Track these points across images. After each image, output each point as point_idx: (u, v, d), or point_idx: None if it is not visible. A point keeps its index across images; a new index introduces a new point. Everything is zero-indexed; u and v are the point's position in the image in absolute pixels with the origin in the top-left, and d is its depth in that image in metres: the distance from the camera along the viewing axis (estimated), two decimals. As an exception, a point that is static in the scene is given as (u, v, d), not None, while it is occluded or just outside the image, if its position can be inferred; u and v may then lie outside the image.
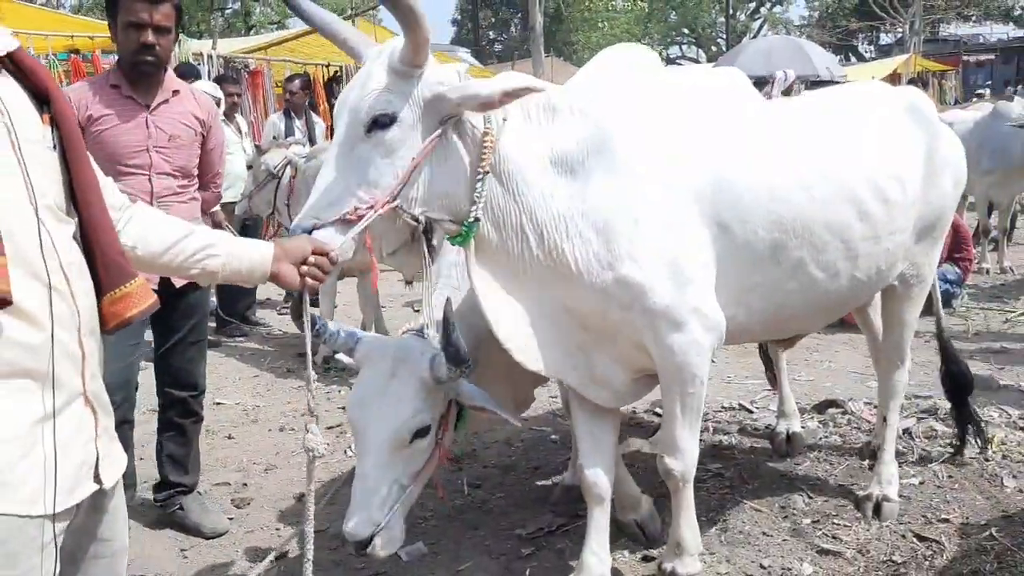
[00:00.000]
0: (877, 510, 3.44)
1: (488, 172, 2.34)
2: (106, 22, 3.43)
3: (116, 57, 3.50)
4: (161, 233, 1.80)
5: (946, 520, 3.41)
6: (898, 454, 3.72)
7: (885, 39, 41.98)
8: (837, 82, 14.17)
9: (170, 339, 3.56)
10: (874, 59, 33.48)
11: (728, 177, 2.67)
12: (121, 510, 1.74)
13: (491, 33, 45.33)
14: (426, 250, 2.36)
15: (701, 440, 2.98)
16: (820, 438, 4.29)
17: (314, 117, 8.37)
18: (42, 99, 1.55)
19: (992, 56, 34.11)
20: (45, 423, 1.46)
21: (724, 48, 34.34)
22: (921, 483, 3.72)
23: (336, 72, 12.03)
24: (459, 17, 45.72)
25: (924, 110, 3.25)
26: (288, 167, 6.18)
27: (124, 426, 3.12)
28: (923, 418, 4.39)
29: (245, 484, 4.16)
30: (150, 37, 3.20)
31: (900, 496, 3.50)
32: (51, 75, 1.60)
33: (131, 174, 3.30)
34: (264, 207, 6.44)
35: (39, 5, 15.94)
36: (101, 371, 1.63)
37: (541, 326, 2.60)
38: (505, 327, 2.53)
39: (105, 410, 1.63)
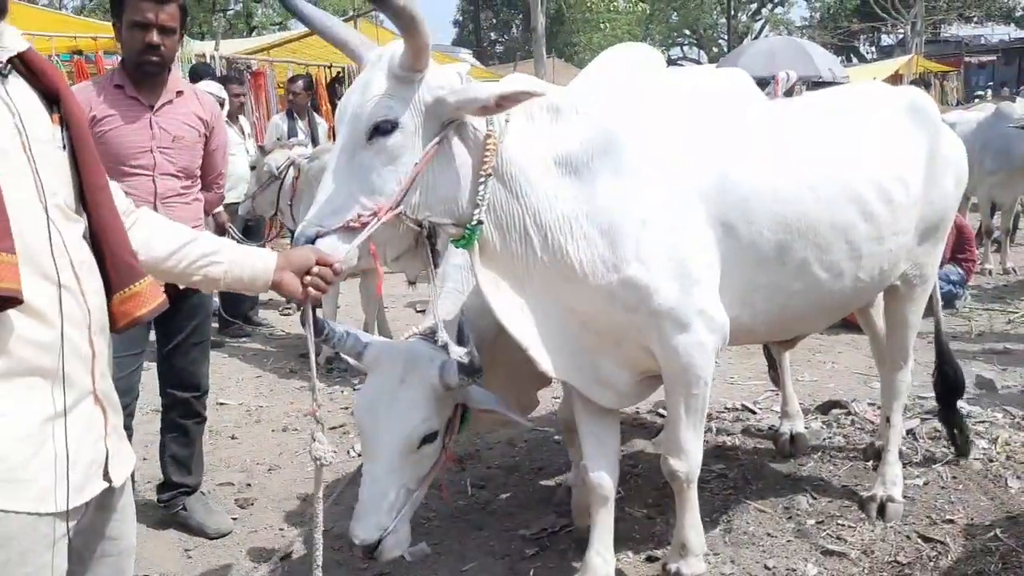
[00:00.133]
0: (881, 511, 3.44)
1: (491, 175, 2.33)
2: (109, 23, 3.43)
3: (119, 58, 3.50)
4: (165, 239, 1.80)
5: (951, 521, 3.40)
6: (902, 455, 3.72)
7: (887, 40, 41.99)
8: (839, 83, 14.17)
9: (173, 340, 3.56)
10: (876, 60, 33.49)
11: (733, 178, 2.67)
12: (129, 509, 1.75)
13: (493, 34, 45.37)
14: (429, 255, 2.35)
15: (705, 441, 2.98)
16: (824, 439, 4.28)
17: (317, 118, 8.37)
18: (52, 99, 1.55)
19: (994, 57, 34.09)
20: (55, 421, 1.47)
21: (726, 49, 34.36)
22: (925, 484, 3.72)
23: (338, 73, 12.04)
24: (461, 18, 45.74)
25: (926, 110, 3.25)
26: (291, 168, 6.19)
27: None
28: (927, 419, 4.38)
29: (249, 484, 4.16)
30: (155, 37, 3.19)
31: (904, 497, 3.50)
32: (62, 76, 1.61)
33: (135, 175, 3.30)
34: (267, 208, 6.45)
35: (42, 6, 15.97)
36: (110, 370, 1.63)
37: (545, 328, 2.59)
38: (520, 327, 2.53)
39: (114, 408, 1.63)
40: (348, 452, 4.43)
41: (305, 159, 6.09)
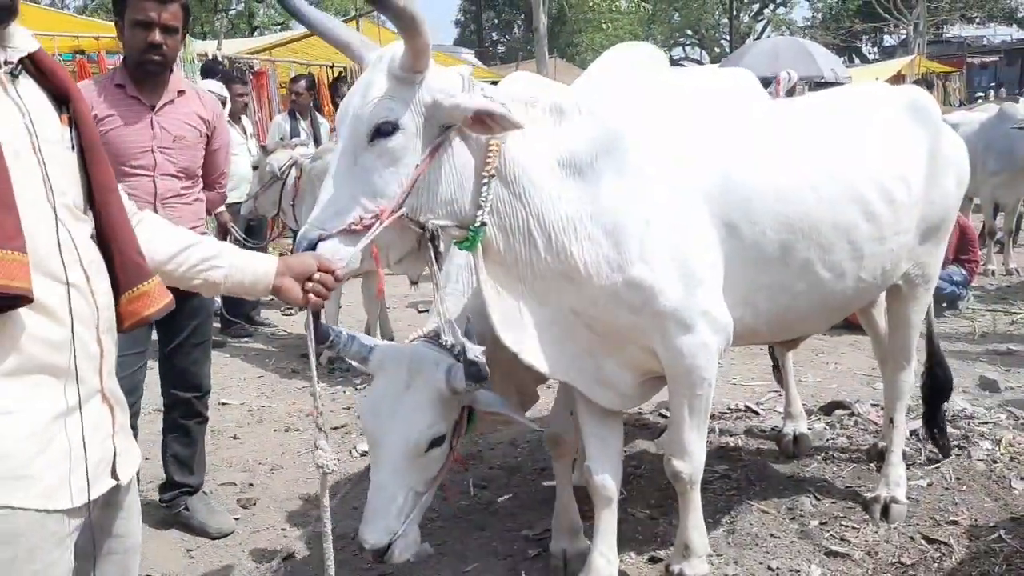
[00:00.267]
0: (885, 512, 3.43)
1: (493, 176, 2.32)
2: (111, 23, 3.42)
3: (122, 58, 3.49)
4: (166, 242, 1.81)
5: (954, 522, 3.40)
6: (905, 456, 3.71)
7: (889, 40, 41.94)
8: (841, 83, 14.17)
9: (174, 340, 3.56)
10: (878, 60, 33.48)
11: (736, 178, 2.67)
12: (135, 507, 1.76)
13: (495, 34, 45.37)
14: (433, 257, 2.33)
15: (708, 442, 2.97)
16: (827, 440, 4.28)
17: (319, 118, 8.37)
18: (61, 100, 1.56)
19: (996, 58, 34.04)
20: (64, 419, 1.48)
21: (728, 49, 34.32)
22: (929, 485, 3.71)
23: (341, 73, 12.03)
24: (463, 18, 45.70)
25: (927, 109, 3.25)
26: (293, 168, 6.18)
27: None
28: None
29: (251, 484, 4.16)
30: (157, 36, 3.18)
31: (908, 498, 3.49)
32: (70, 76, 1.62)
33: (135, 175, 3.29)
34: (269, 207, 6.45)
35: (44, 6, 15.98)
36: (116, 369, 1.64)
37: (548, 329, 2.59)
38: (512, 332, 2.52)
39: (121, 407, 1.64)
40: (350, 452, 4.43)
41: (307, 159, 6.09)
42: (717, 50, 40.29)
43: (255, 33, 27.62)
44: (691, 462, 2.80)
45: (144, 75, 3.30)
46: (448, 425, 2.62)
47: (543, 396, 3.41)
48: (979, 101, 18.60)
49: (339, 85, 11.39)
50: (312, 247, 2.13)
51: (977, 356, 5.72)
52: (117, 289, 1.60)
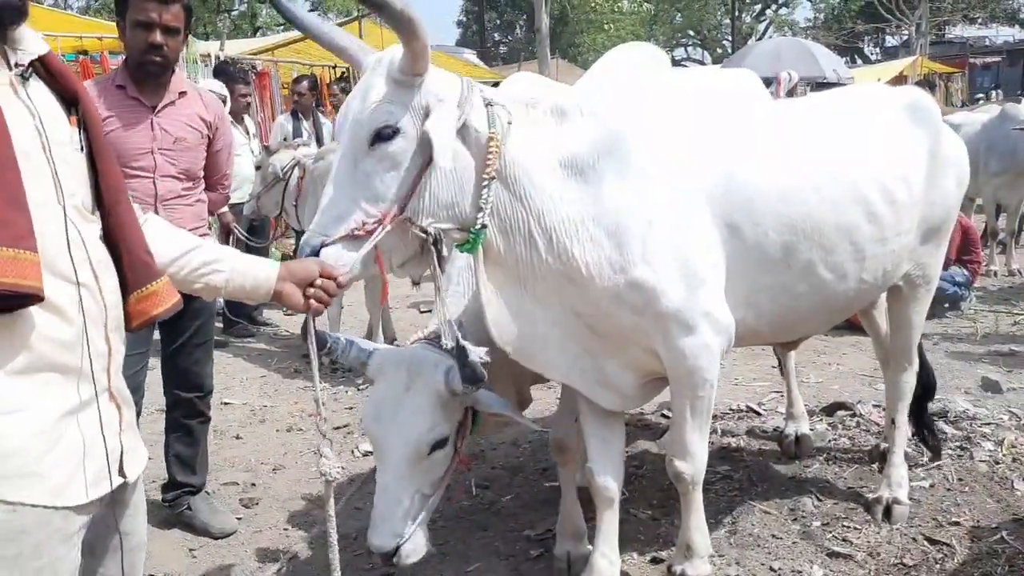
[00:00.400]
0: (887, 513, 3.43)
1: (494, 177, 2.32)
2: (114, 23, 3.42)
3: (123, 58, 3.49)
4: (169, 245, 1.82)
5: (957, 523, 3.39)
6: (907, 457, 3.70)
7: (891, 41, 41.89)
8: (843, 84, 14.18)
9: (176, 340, 3.56)
10: (880, 61, 33.45)
11: (739, 179, 2.67)
12: (141, 505, 1.77)
13: (496, 35, 45.36)
14: (436, 261, 2.33)
15: (710, 442, 2.98)
16: (829, 440, 4.27)
17: (321, 118, 8.38)
18: (70, 102, 1.58)
19: (998, 58, 34.01)
20: (71, 417, 1.49)
21: (730, 50, 34.35)
22: (931, 486, 3.71)
23: (343, 73, 12.04)
24: (465, 19, 45.69)
25: (927, 110, 3.24)
26: (296, 168, 6.19)
27: None
28: (933, 421, 4.36)
29: (253, 484, 4.16)
30: (158, 37, 3.18)
31: (910, 499, 3.49)
32: (78, 78, 1.64)
33: (135, 176, 3.28)
34: (272, 208, 6.45)
35: (47, 6, 16.00)
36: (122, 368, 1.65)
37: (550, 331, 2.59)
38: (512, 335, 2.52)
39: (128, 405, 1.66)
40: (352, 452, 4.43)
41: (310, 159, 6.09)
42: (719, 51, 40.30)
43: (258, 33, 27.65)
44: (693, 463, 2.80)
45: (145, 76, 3.29)
46: (451, 427, 2.61)
47: (544, 397, 3.41)
48: (980, 102, 18.60)
49: (342, 84, 11.41)
50: (315, 253, 2.12)
51: (979, 357, 5.72)
52: (125, 288, 1.61)
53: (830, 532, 3.37)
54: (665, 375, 2.74)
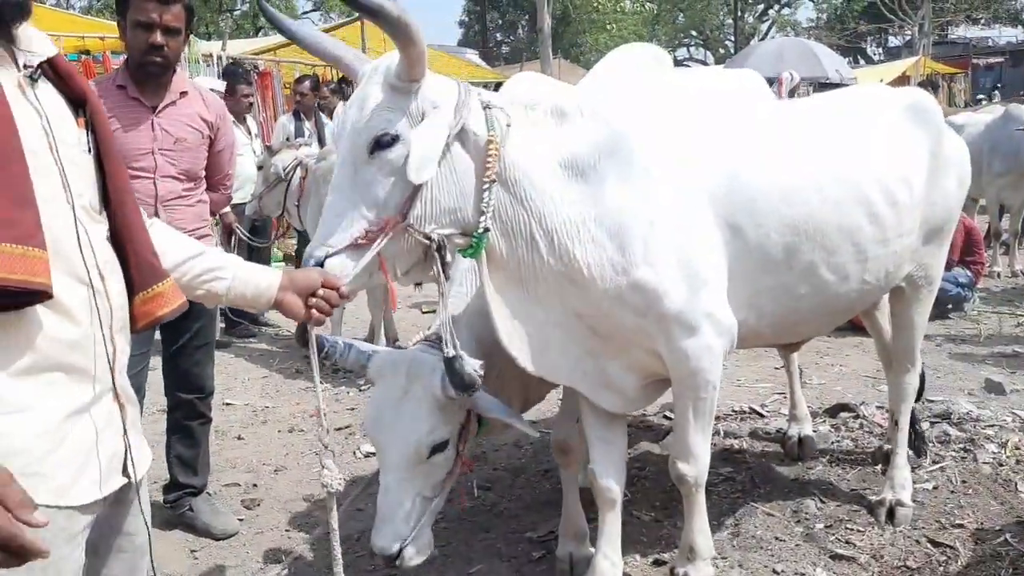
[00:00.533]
0: (890, 515, 3.42)
1: (494, 180, 2.31)
2: (116, 22, 3.41)
3: (124, 58, 3.48)
4: (172, 250, 1.82)
5: (960, 526, 3.38)
6: (910, 458, 3.69)
7: (894, 41, 41.84)
8: (846, 84, 14.16)
9: (177, 342, 3.56)
10: (882, 61, 33.42)
11: (741, 179, 2.66)
12: (145, 506, 1.76)
13: (499, 35, 45.31)
14: (440, 268, 2.33)
15: (712, 444, 2.97)
16: (832, 442, 4.26)
17: (323, 118, 8.37)
18: (78, 103, 1.58)
19: (1001, 59, 33.99)
20: (76, 416, 1.49)
21: (732, 50, 34.32)
22: (935, 488, 3.70)
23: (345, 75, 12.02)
24: (467, 19, 45.67)
25: (928, 111, 3.23)
26: (298, 168, 6.18)
27: None
28: (936, 422, 4.36)
29: (255, 485, 4.16)
30: (159, 38, 3.16)
31: (914, 501, 3.48)
32: (87, 80, 1.64)
33: (135, 177, 3.25)
34: (274, 208, 6.45)
35: (50, 6, 16.02)
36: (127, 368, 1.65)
37: (552, 333, 2.58)
38: (516, 339, 2.51)
39: (132, 405, 1.66)
40: (354, 453, 4.43)
41: (312, 159, 6.09)
42: (722, 51, 40.28)
43: (260, 33, 27.64)
44: (696, 465, 2.79)
45: (145, 76, 3.28)
46: (451, 430, 2.61)
47: (546, 398, 3.40)
48: (983, 103, 18.58)
49: (344, 86, 11.42)
50: (320, 265, 2.12)
51: (983, 358, 5.71)
52: (131, 289, 1.61)
53: (833, 534, 3.36)
54: (667, 377, 2.73)
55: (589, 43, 35.66)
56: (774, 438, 4.33)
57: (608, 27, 34.76)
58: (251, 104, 7.42)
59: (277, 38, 15.18)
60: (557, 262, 2.45)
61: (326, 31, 13.40)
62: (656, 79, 2.84)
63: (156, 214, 3.22)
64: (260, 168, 6.54)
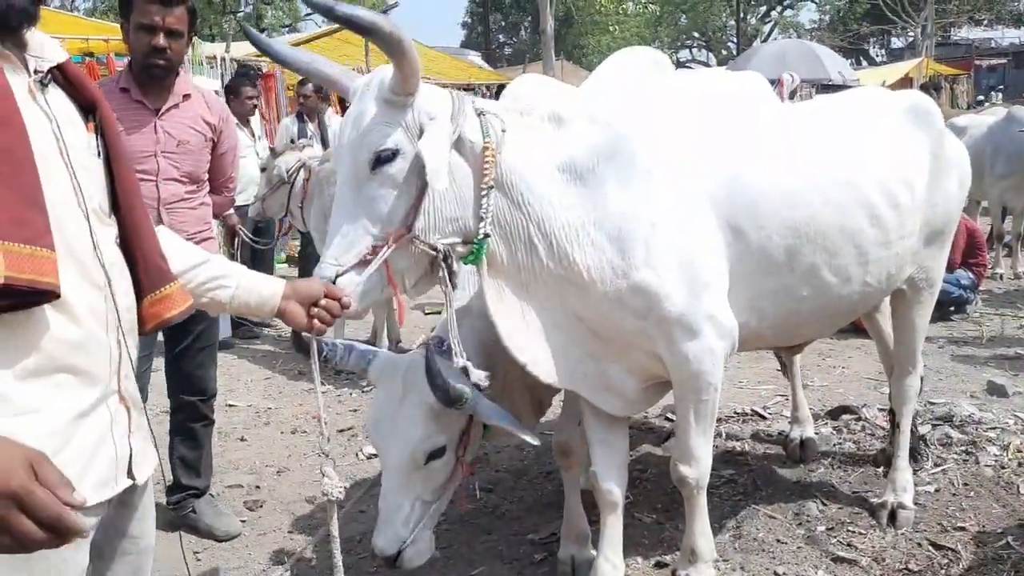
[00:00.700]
0: (892, 518, 3.42)
1: (492, 187, 2.33)
2: (119, 25, 3.41)
3: (127, 60, 3.49)
4: (177, 258, 1.83)
5: (962, 528, 3.38)
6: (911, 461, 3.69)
7: (896, 43, 41.80)
8: (849, 86, 14.15)
9: (180, 344, 3.57)
10: (885, 63, 33.37)
11: (743, 181, 2.67)
12: (150, 509, 1.77)
13: (501, 36, 45.30)
14: (447, 277, 2.35)
15: (714, 446, 2.97)
16: (834, 444, 4.26)
17: (327, 119, 8.38)
18: (88, 108, 1.60)
19: (1004, 60, 33.95)
20: (82, 418, 1.50)
21: (735, 52, 34.28)
22: (937, 491, 3.70)
23: (348, 74, 12.03)
24: (469, 20, 45.69)
25: (929, 113, 3.24)
26: (302, 170, 6.19)
27: None
28: (938, 424, 4.36)
29: (258, 486, 4.17)
30: (161, 40, 3.17)
31: (915, 503, 3.48)
32: (96, 86, 1.66)
33: (138, 180, 3.28)
34: (277, 210, 6.45)
35: (53, 8, 16.04)
36: (135, 371, 1.66)
37: (552, 336, 2.58)
38: (517, 341, 2.52)
39: (138, 408, 1.66)
40: (356, 455, 4.43)
41: (315, 161, 6.10)
42: (724, 52, 40.26)
43: (263, 35, 27.67)
44: (697, 467, 2.80)
45: (148, 79, 3.29)
46: (449, 436, 2.61)
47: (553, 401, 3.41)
48: (986, 104, 18.54)
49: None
50: (332, 283, 2.14)
51: (985, 361, 5.70)
52: (139, 292, 1.63)
53: (835, 537, 3.36)
54: (668, 379, 2.74)
55: (592, 45, 35.67)
56: (776, 440, 4.34)
57: (611, 29, 34.77)
58: (255, 106, 7.42)
59: (280, 40, 15.20)
60: (557, 265, 2.46)
61: (329, 33, 13.43)
62: (658, 81, 2.84)
63: (159, 217, 3.23)
64: (263, 170, 6.55)
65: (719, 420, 4.42)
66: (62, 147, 1.49)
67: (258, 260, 7.20)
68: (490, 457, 4.33)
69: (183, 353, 3.57)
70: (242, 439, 4.81)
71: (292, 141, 7.15)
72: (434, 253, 2.29)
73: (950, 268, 5.99)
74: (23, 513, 1.18)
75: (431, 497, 2.63)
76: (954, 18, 35.01)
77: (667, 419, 4.61)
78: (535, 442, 2.64)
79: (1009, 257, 8.64)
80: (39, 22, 1.50)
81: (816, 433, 4.22)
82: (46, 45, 1.54)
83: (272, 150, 6.59)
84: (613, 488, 2.85)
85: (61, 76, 1.56)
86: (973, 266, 6.98)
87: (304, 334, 2.05)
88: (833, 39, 34.17)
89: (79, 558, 1.53)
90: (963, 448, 4.07)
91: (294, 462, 4.44)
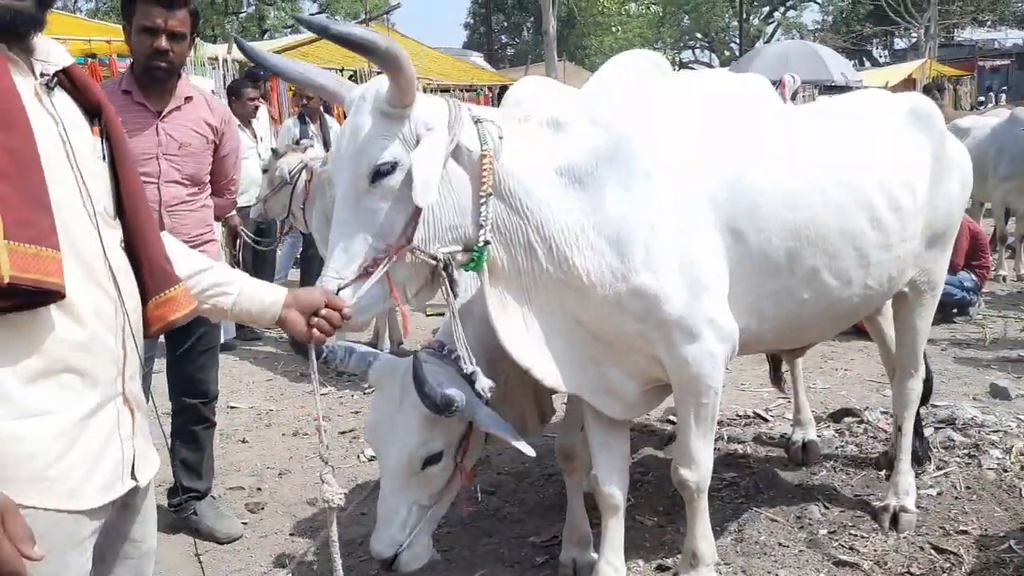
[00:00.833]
0: (894, 521, 3.41)
1: (490, 194, 2.34)
2: (121, 26, 3.42)
3: (130, 62, 3.49)
4: (179, 264, 1.84)
5: (964, 532, 3.37)
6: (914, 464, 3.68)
7: (900, 44, 41.76)
8: (852, 87, 14.13)
9: (181, 346, 3.57)
10: (889, 64, 33.35)
11: (743, 183, 2.66)
12: (152, 512, 1.78)
13: (504, 37, 45.31)
14: (448, 286, 2.35)
15: (716, 449, 2.96)
16: (836, 447, 4.25)
17: (328, 121, 8.39)
18: (93, 112, 1.62)
19: (1008, 61, 33.92)
20: (87, 420, 1.50)
21: (738, 52, 34.27)
22: (939, 494, 3.69)
23: (351, 76, 12.05)
24: (472, 21, 45.71)
25: (931, 116, 3.23)
26: (304, 171, 6.19)
27: None
28: (940, 427, 4.35)
29: (259, 488, 4.17)
30: (164, 43, 3.17)
31: (918, 507, 3.47)
32: (101, 89, 1.68)
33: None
34: (279, 211, 6.45)
35: (56, 9, 16.05)
36: (139, 373, 1.67)
37: (553, 340, 2.58)
38: (519, 346, 2.52)
39: (141, 410, 1.67)
40: (358, 457, 4.43)
41: (317, 162, 6.10)
42: (727, 53, 40.24)
43: (265, 36, 27.73)
44: (698, 470, 2.79)
45: (151, 81, 3.29)
46: (447, 442, 2.61)
47: (555, 403, 3.40)
48: (988, 106, 18.51)
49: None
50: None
51: (988, 363, 5.69)
52: (145, 294, 1.64)
53: (837, 540, 3.35)
54: (669, 382, 2.73)
55: (594, 46, 35.65)
56: (778, 443, 4.33)
57: (613, 29, 34.75)
58: (256, 108, 7.43)
59: (283, 41, 15.24)
60: (556, 270, 2.46)
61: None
62: (660, 83, 2.84)
63: (160, 219, 3.23)
64: (265, 171, 6.55)
65: (721, 423, 4.42)
66: (68, 150, 1.50)
67: (260, 261, 7.21)
68: (492, 459, 4.32)
69: (184, 355, 3.57)
70: (244, 441, 4.81)
71: (296, 142, 7.16)
72: (434, 262, 2.30)
73: (953, 270, 5.98)
74: None
75: (428, 502, 2.63)
76: (957, 19, 34.96)
77: (669, 421, 4.60)
78: (531, 453, 2.60)
79: (1012, 259, 8.64)
80: (45, 27, 1.51)
81: (818, 436, 4.21)
82: (52, 50, 1.55)
83: (274, 151, 6.59)
84: (614, 491, 2.85)
85: (67, 80, 1.58)
86: (976, 268, 6.97)
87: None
88: (836, 40, 34.11)
89: (82, 561, 1.53)
90: (966, 451, 4.06)
91: (295, 464, 4.44)
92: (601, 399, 2.73)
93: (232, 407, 5.33)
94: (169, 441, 3.45)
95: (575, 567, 3.16)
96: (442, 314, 2.76)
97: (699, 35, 43.54)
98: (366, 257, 2.21)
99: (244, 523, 3.78)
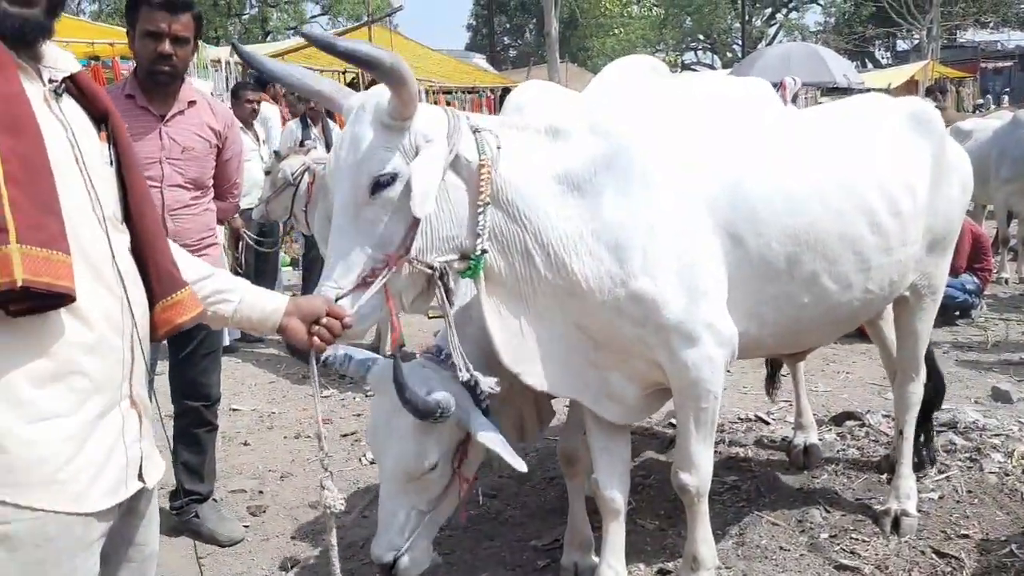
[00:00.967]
0: (896, 525, 3.41)
1: (488, 203, 2.35)
2: (125, 29, 3.43)
3: (133, 65, 3.50)
4: (183, 270, 1.84)
5: (966, 536, 3.37)
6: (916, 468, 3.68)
7: (902, 45, 41.72)
8: (854, 89, 14.11)
9: (183, 349, 3.58)
10: (891, 65, 33.30)
11: (743, 187, 2.67)
12: (155, 515, 1.79)
13: (506, 39, 45.34)
14: (443, 294, 2.36)
15: (717, 452, 2.97)
16: (838, 451, 4.25)
17: (331, 123, 8.39)
18: (100, 119, 1.65)
19: (1010, 63, 33.89)
20: (95, 423, 1.52)
21: (740, 54, 34.24)
22: (940, 498, 3.68)
23: (353, 78, 12.07)
24: (474, 23, 45.75)
25: (930, 120, 3.23)
26: (306, 173, 6.20)
27: None
28: (942, 431, 4.34)
29: (261, 491, 4.17)
30: (167, 47, 3.19)
31: (919, 511, 3.47)
32: (108, 96, 1.71)
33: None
34: (281, 213, 6.46)
35: (59, 11, 16.05)
36: (146, 376, 1.68)
37: (552, 346, 2.59)
38: (511, 352, 2.52)
39: (147, 413, 1.68)
40: (360, 460, 4.43)
41: (320, 164, 6.10)
42: (729, 55, 40.20)
43: (268, 38, 27.75)
44: (698, 475, 2.79)
45: (154, 85, 3.30)
46: (443, 449, 2.61)
47: (556, 405, 3.40)
48: (993, 108, 18.49)
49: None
50: None
51: (990, 366, 5.68)
52: (151, 298, 1.65)
53: (838, 544, 3.35)
54: (669, 386, 2.73)
55: (596, 47, 35.67)
56: (779, 446, 4.33)
57: (615, 31, 34.79)
58: (255, 110, 7.44)
59: (286, 43, 15.24)
60: (555, 276, 2.46)
61: (335, 35, 13.45)
62: (660, 86, 2.84)
63: (163, 223, 3.23)
64: (268, 173, 6.56)
65: (722, 426, 4.42)
66: (78, 155, 1.52)
67: (262, 263, 7.22)
68: (493, 463, 4.32)
69: (187, 358, 3.58)
70: (246, 443, 4.82)
71: (300, 144, 7.17)
72: (431, 271, 2.31)
73: (955, 273, 5.98)
74: None
75: (427, 507, 2.63)
76: (960, 20, 34.92)
77: (670, 425, 4.60)
78: (522, 468, 2.56)
79: (1014, 261, 8.63)
80: (53, 35, 1.53)
81: (820, 439, 4.21)
82: (60, 56, 1.58)
83: (277, 153, 6.60)
84: (615, 496, 2.85)
85: (74, 87, 1.60)
86: (978, 271, 6.96)
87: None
88: (838, 42, 34.08)
89: (90, 564, 1.55)
90: (967, 455, 4.05)
91: (297, 467, 4.45)
92: (602, 404, 2.74)
93: (234, 410, 5.33)
94: (171, 444, 3.46)
95: (576, 571, 3.16)
96: (443, 316, 2.76)
97: (701, 37, 43.51)
98: (364, 267, 2.22)
99: (246, 526, 3.79)
